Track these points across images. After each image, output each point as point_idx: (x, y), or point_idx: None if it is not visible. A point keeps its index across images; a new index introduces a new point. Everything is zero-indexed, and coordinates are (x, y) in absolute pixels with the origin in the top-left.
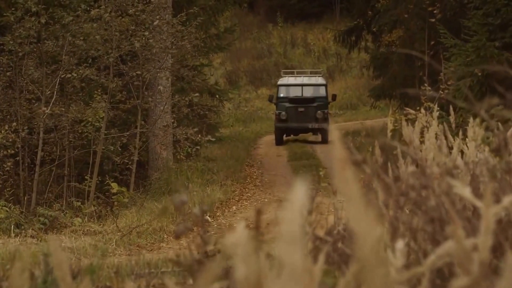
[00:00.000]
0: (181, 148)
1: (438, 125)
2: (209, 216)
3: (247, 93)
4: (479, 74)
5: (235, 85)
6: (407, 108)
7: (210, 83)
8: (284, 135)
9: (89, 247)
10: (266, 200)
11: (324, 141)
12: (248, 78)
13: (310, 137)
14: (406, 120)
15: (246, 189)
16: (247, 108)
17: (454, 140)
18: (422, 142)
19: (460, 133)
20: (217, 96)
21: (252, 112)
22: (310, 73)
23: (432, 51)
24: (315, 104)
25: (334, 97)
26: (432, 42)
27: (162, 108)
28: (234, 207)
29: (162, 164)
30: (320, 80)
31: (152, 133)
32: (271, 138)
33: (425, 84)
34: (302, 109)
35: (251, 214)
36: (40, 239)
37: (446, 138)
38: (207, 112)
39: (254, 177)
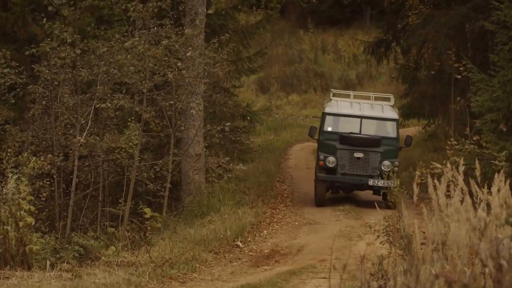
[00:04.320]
0: (213, 171)
1: (463, 179)
2: (240, 241)
3: (278, 100)
4: (504, 129)
5: (267, 104)
6: (433, 163)
7: (242, 105)
8: (330, 191)
9: (122, 282)
10: (296, 223)
11: (389, 206)
12: (279, 84)
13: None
14: (432, 176)
15: (277, 210)
16: (278, 115)
17: (480, 190)
18: (448, 196)
19: (485, 188)
20: (248, 118)
21: (282, 120)
22: (374, 99)
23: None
24: (381, 149)
25: (409, 140)
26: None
27: (194, 132)
28: (265, 231)
29: (195, 187)
30: (389, 111)
31: (185, 159)
32: (301, 147)
33: (451, 139)
34: (360, 155)
35: (282, 239)
36: (75, 274)
37: (471, 196)
38: (238, 138)
39: (285, 195)
